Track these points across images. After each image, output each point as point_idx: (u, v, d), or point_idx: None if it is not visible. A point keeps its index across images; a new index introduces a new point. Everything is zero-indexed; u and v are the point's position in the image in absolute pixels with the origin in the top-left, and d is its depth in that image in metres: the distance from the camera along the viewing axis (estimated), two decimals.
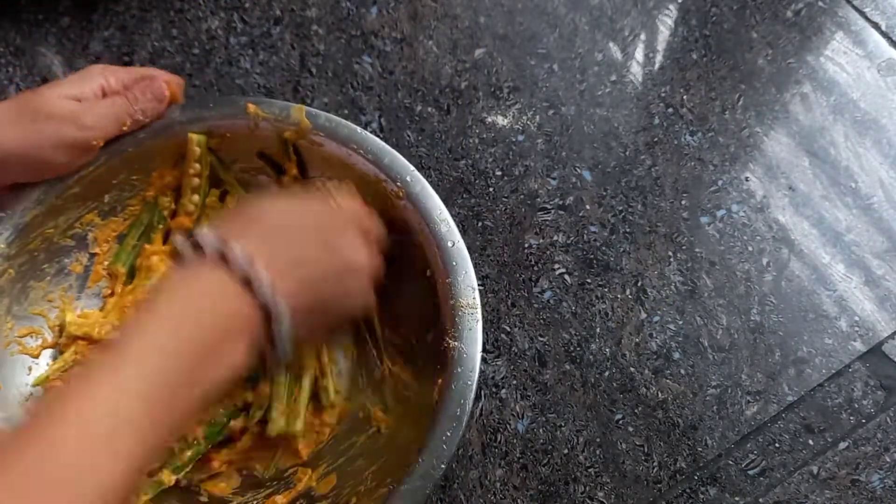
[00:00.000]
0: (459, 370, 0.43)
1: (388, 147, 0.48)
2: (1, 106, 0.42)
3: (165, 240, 0.51)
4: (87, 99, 0.44)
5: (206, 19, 0.62)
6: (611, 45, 0.64)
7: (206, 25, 0.62)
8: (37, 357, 0.46)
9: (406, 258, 0.48)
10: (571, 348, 0.53)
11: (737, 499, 0.50)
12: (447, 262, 0.46)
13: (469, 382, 0.43)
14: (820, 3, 0.66)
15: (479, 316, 0.45)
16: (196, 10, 0.62)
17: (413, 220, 0.47)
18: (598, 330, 0.54)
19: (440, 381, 0.43)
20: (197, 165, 0.49)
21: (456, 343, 0.44)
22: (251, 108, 0.48)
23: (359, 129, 0.48)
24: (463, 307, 0.45)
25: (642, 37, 0.64)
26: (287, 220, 0.40)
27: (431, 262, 0.47)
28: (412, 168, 0.48)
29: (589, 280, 0.55)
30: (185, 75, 0.59)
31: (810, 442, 0.51)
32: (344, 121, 0.48)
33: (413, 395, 0.47)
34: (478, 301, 0.45)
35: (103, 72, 0.45)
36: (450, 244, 0.46)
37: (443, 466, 0.41)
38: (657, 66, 0.63)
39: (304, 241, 0.39)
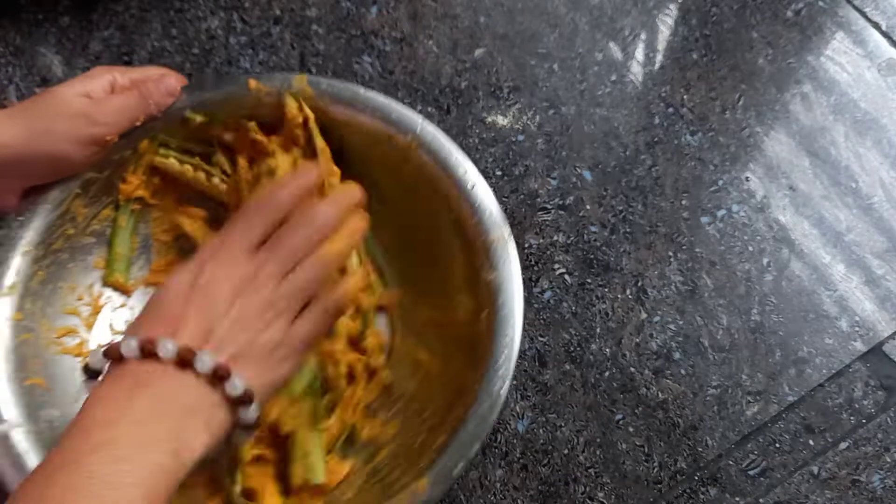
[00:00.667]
0: (502, 300, 0.44)
1: (394, 102, 0.49)
2: (13, 109, 0.42)
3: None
4: (98, 96, 0.44)
5: (205, 19, 0.62)
6: (611, 45, 0.64)
7: (205, 25, 0.62)
8: (78, 356, 0.47)
9: (431, 208, 0.49)
10: (571, 348, 0.53)
11: (737, 499, 0.49)
12: (471, 203, 0.47)
13: (515, 310, 0.44)
14: (820, 3, 0.66)
15: (512, 246, 0.46)
16: (196, 9, 0.62)
17: (430, 169, 0.48)
18: (598, 330, 0.53)
19: (485, 313, 0.44)
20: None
21: (494, 275, 0.45)
22: (252, 83, 0.48)
23: (362, 88, 0.49)
24: (494, 241, 0.46)
25: (642, 37, 0.64)
26: (223, 294, 0.37)
27: (454, 206, 0.47)
28: (421, 119, 0.48)
29: (589, 280, 0.55)
30: (186, 75, 0.59)
31: (811, 442, 0.51)
32: (346, 83, 0.49)
33: (458, 333, 0.48)
34: (508, 234, 0.46)
35: (111, 70, 0.46)
36: (470, 186, 0.47)
37: (505, 389, 0.42)
38: (657, 65, 0.63)
39: (247, 316, 0.37)
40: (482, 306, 0.45)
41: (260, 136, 0.49)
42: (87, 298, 0.48)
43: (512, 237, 0.46)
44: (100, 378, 0.35)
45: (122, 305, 0.50)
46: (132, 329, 0.36)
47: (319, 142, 0.48)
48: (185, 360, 0.34)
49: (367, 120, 0.48)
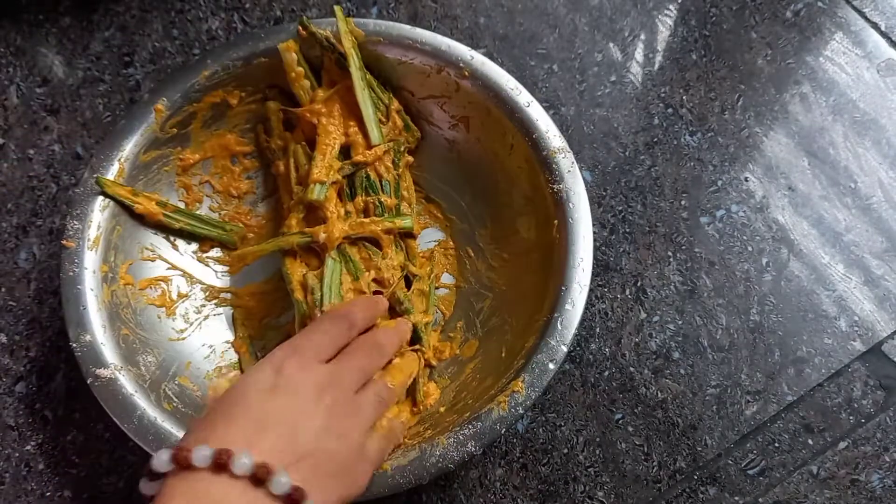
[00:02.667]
0: (572, 205, 0.47)
1: (442, 37, 0.51)
2: None
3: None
4: None
5: (206, 20, 0.62)
6: (611, 45, 0.64)
7: (206, 26, 0.62)
8: (160, 307, 0.49)
9: (486, 134, 0.52)
10: (571, 348, 0.53)
11: (736, 498, 0.50)
12: (528, 121, 0.49)
13: (584, 215, 0.46)
14: (819, 4, 0.66)
15: (573, 159, 0.48)
16: (196, 10, 0.62)
17: (485, 95, 0.50)
18: (597, 330, 0.54)
19: (556, 221, 0.47)
20: (300, 68, 0.51)
21: (559, 185, 0.47)
22: (302, 31, 0.51)
23: (407, 26, 0.51)
24: (555, 153, 0.48)
25: (642, 37, 0.64)
26: (288, 412, 0.36)
27: (512, 126, 0.50)
28: (470, 50, 0.51)
29: None
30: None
31: (810, 442, 0.51)
32: (392, 23, 0.51)
33: (525, 249, 0.50)
34: (567, 146, 0.48)
35: None
36: (525, 105, 0.50)
37: (586, 281, 0.45)
38: (657, 66, 0.63)
39: (330, 425, 0.36)
40: (550, 217, 0.47)
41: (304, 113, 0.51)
42: (158, 251, 0.51)
43: (570, 150, 0.48)
44: (161, 481, 0.33)
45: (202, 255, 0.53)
46: (202, 429, 0.34)
47: (355, 70, 0.50)
48: (259, 479, 0.32)
49: (417, 56, 0.51)
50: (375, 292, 0.48)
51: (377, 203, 0.49)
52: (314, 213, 0.50)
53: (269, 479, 0.32)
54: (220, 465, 0.32)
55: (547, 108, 0.60)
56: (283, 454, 0.34)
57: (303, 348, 0.39)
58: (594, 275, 0.55)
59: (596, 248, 0.56)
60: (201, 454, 0.32)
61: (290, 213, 0.50)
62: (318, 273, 0.47)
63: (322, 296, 0.45)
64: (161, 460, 0.32)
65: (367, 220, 0.49)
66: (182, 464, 0.32)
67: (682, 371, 0.53)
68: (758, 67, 0.63)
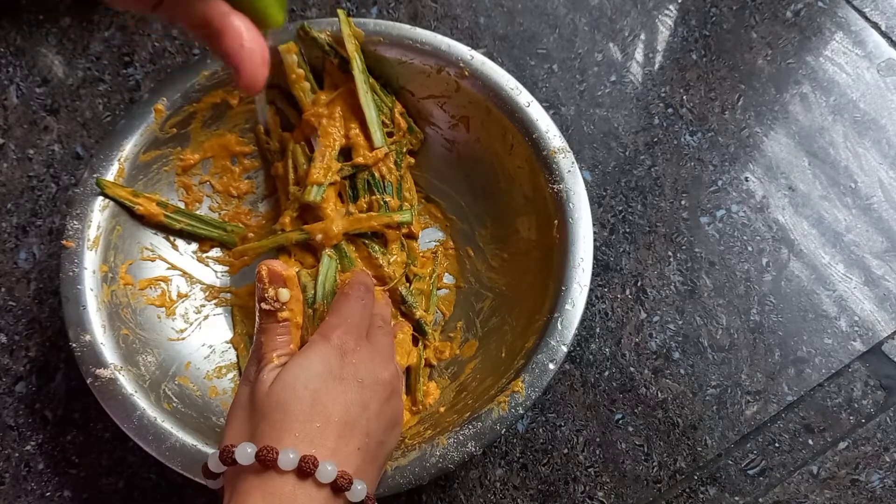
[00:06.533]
0: (572, 206, 0.47)
1: (442, 37, 0.51)
2: None
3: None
4: None
5: None
6: (611, 45, 0.64)
7: None
8: (160, 307, 0.49)
9: (486, 134, 0.51)
10: (571, 348, 0.53)
11: (736, 498, 0.50)
12: (528, 121, 0.49)
13: (584, 216, 0.46)
14: (819, 4, 0.66)
15: (573, 159, 0.48)
16: None
17: (485, 94, 0.50)
18: (597, 330, 0.54)
19: (556, 221, 0.47)
20: (300, 70, 0.51)
21: (560, 185, 0.47)
22: (303, 36, 0.51)
23: (407, 26, 0.51)
24: (556, 153, 0.48)
25: (642, 37, 0.64)
26: (331, 396, 0.36)
27: (512, 126, 0.50)
28: (470, 50, 0.51)
29: None
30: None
31: (810, 442, 0.51)
32: (392, 22, 0.51)
33: (526, 248, 0.50)
34: (567, 146, 0.48)
35: None
36: (525, 105, 0.50)
37: (586, 281, 0.44)
38: (657, 66, 0.63)
39: (378, 428, 0.37)
40: (550, 217, 0.47)
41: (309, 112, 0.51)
42: (158, 251, 0.51)
43: (570, 149, 0.48)
44: (218, 480, 0.36)
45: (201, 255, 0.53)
46: (239, 426, 0.36)
47: (358, 73, 0.50)
48: (305, 471, 0.33)
49: (417, 57, 0.51)
50: None
51: (382, 203, 0.50)
52: (312, 213, 0.50)
53: (349, 488, 0.34)
54: (267, 461, 0.33)
55: (547, 108, 0.60)
56: (357, 456, 0.35)
57: (353, 326, 0.40)
58: (594, 275, 0.55)
59: (596, 248, 0.56)
60: (288, 458, 0.33)
61: (284, 212, 0.50)
62: (313, 271, 0.47)
63: (315, 293, 0.45)
64: (245, 453, 0.33)
65: (364, 215, 0.49)
66: (266, 464, 0.33)
67: (682, 371, 0.53)
68: (758, 67, 0.63)
